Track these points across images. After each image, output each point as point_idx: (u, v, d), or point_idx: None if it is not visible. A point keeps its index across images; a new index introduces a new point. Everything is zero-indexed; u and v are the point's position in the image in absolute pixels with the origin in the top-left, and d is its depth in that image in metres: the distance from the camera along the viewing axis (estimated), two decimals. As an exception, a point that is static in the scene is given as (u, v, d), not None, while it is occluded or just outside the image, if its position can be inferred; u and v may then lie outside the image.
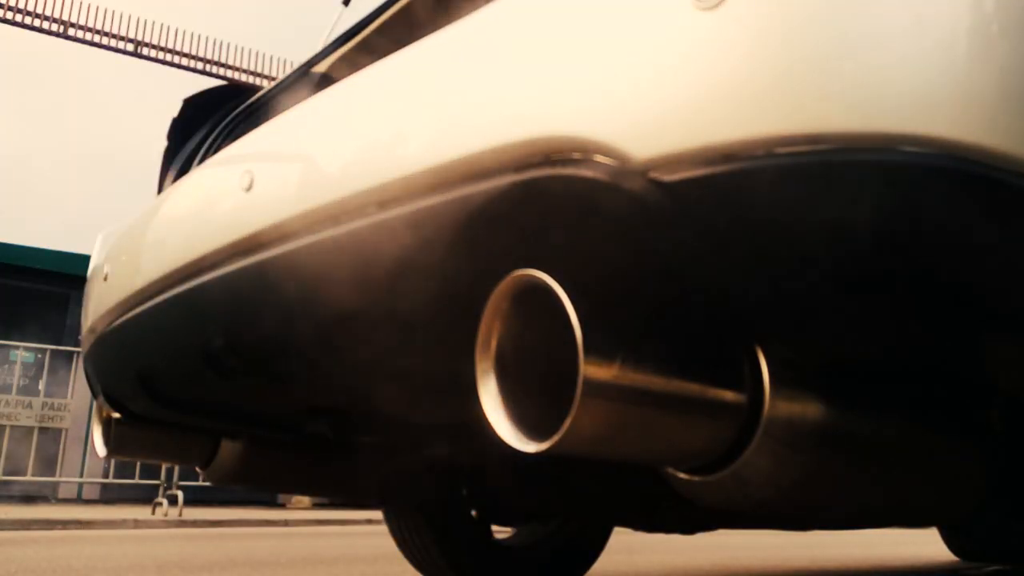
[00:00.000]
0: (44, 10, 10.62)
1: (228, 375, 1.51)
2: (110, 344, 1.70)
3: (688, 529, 2.03)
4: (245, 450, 1.96)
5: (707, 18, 0.76)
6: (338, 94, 1.23)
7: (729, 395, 0.89)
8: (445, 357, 1.21)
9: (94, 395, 1.89)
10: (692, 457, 0.93)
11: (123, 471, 7.98)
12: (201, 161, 1.87)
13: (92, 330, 1.76)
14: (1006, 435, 1.11)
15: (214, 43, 11.72)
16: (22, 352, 8.26)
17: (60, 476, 8.05)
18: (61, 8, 10.74)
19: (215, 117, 1.96)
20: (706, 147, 0.75)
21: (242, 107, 1.88)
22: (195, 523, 6.44)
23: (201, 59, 11.55)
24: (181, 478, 7.11)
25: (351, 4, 2.06)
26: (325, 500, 8.98)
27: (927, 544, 4.78)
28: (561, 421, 0.80)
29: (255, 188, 1.26)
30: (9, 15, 10.39)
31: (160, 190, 2.00)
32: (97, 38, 10.96)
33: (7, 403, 7.62)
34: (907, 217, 0.73)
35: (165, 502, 6.82)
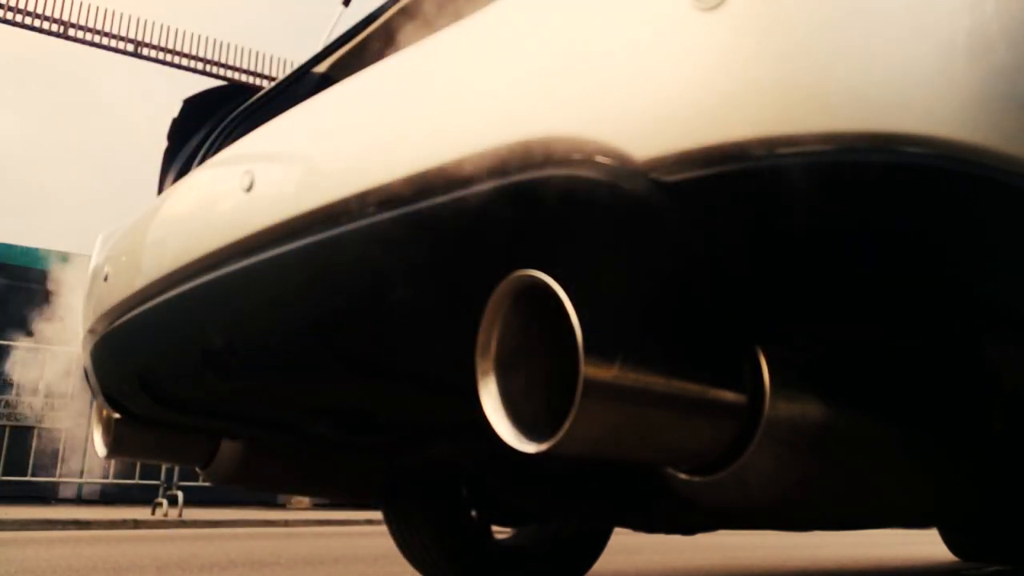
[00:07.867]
0: (44, 10, 10.61)
1: (228, 376, 1.51)
2: (110, 344, 1.70)
3: (688, 529, 2.02)
4: (245, 450, 1.96)
5: (707, 19, 0.76)
6: (338, 94, 1.23)
7: (729, 395, 0.88)
8: (445, 357, 1.21)
9: (94, 395, 1.89)
10: (692, 457, 0.93)
11: (123, 471, 7.96)
12: (201, 161, 1.87)
13: (92, 330, 1.76)
14: (1006, 435, 1.11)
15: (214, 43, 11.71)
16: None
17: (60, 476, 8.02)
18: (61, 8, 10.73)
19: (215, 117, 1.96)
20: (706, 147, 0.75)
21: (242, 107, 1.88)
22: (195, 523, 6.43)
23: (201, 59, 11.54)
24: (181, 478, 7.10)
25: (351, 4, 2.06)
26: (325, 500, 8.97)
27: (927, 544, 4.77)
28: (561, 421, 0.80)
29: (255, 188, 1.26)
30: (9, 15, 10.38)
31: (160, 190, 2.00)
32: (97, 38, 10.95)
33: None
34: (907, 217, 0.73)
35: (165, 502, 6.81)
